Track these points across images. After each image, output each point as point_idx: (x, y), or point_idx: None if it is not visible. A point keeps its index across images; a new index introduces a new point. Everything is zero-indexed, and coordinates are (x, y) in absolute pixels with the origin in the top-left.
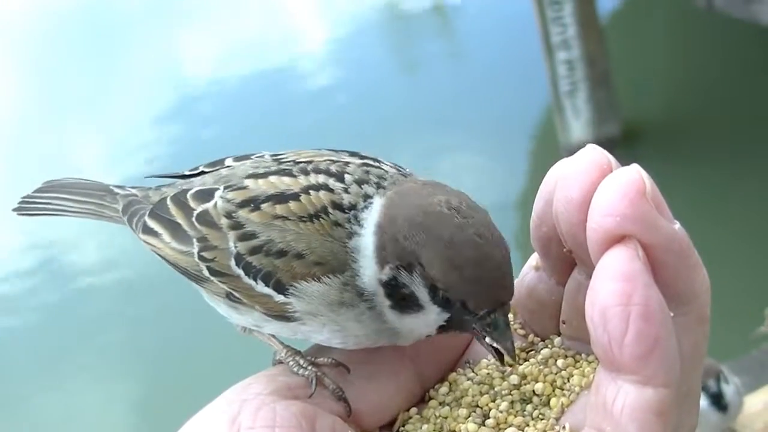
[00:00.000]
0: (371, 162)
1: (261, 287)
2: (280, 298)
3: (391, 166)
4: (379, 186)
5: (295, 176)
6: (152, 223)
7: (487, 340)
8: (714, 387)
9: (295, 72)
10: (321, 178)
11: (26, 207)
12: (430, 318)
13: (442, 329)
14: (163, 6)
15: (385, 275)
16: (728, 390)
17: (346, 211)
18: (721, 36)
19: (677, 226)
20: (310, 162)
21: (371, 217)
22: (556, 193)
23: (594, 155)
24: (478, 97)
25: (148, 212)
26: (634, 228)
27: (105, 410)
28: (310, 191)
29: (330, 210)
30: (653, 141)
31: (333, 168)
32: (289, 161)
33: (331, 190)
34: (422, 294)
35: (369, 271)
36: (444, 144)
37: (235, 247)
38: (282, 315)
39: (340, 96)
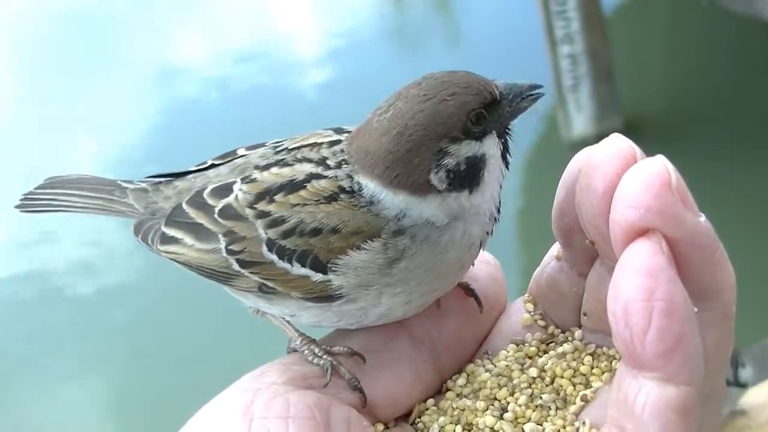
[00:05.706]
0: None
1: (297, 269)
2: (318, 276)
3: None
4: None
5: (291, 165)
6: (171, 231)
7: (520, 109)
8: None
9: (292, 69)
10: (312, 167)
11: (29, 204)
12: (486, 164)
13: (504, 161)
14: (158, 4)
15: (435, 177)
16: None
17: (350, 192)
18: (725, 31)
19: (703, 219)
20: (299, 148)
21: (353, 168)
22: (578, 182)
23: (618, 144)
24: None
25: (164, 222)
26: (658, 221)
27: (100, 409)
28: (313, 180)
29: (341, 195)
30: (656, 135)
31: (314, 155)
32: (283, 149)
33: (328, 177)
34: (459, 151)
35: (399, 203)
36: None
37: (266, 233)
38: (323, 296)
39: (340, 92)
